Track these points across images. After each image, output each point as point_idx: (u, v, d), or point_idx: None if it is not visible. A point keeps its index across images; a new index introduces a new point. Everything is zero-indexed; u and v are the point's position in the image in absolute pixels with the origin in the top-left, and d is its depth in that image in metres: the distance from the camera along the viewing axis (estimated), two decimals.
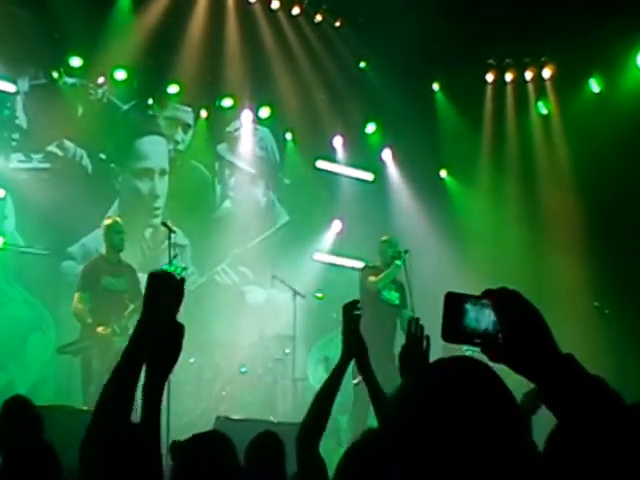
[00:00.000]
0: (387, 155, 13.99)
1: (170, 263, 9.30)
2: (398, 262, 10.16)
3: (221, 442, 3.71)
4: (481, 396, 1.62)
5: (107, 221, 10.15)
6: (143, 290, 8.58)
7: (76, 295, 9.69)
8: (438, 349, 3.83)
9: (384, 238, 10.59)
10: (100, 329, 9.39)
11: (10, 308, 11.33)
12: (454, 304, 1.79)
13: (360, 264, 11.19)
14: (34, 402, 5.58)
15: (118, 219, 10.13)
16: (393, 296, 10.42)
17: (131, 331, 8.62)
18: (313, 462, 3.77)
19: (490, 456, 1.58)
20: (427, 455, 1.58)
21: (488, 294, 1.78)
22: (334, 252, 13.44)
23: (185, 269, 9.86)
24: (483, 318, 1.78)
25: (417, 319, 3.74)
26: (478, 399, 1.61)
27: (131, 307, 9.61)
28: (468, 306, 1.78)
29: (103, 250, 10.13)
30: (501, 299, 1.77)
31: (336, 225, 13.64)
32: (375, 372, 9.02)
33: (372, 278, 10.26)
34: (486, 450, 1.58)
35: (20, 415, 5.28)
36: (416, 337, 3.70)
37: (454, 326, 1.78)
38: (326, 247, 13.54)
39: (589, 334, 10.43)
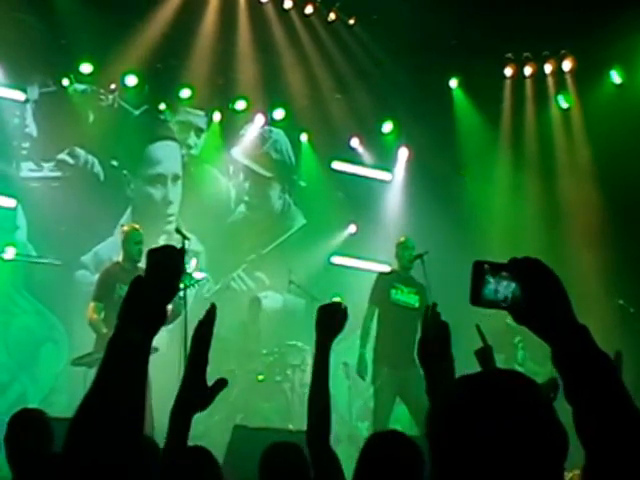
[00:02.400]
0: (404, 154, 13.81)
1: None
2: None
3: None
4: (523, 410, 1.71)
5: (126, 228, 9.80)
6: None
7: (91, 304, 9.48)
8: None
9: (400, 240, 10.39)
10: None
11: (22, 319, 11.25)
12: (477, 274, 1.96)
13: (378, 267, 11.01)
14: (47, 414, 5.42)
15: (138, 227, 9.74)
16: (412, 299, 10.21)
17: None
18: (326, 460, 3.68)
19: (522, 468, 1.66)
20: (462, 460, 1.68)
21: (512, 263, 1.94)
22: (352, 255, 13.25)
23: (200, 281, 9.69)
24: (501, 289, 1.94)
25: (434, 304, 3.53)
26: (519, 413, 1.70)
27: None
28: (488, 278, 1.95)
29: (119, 257, 9.87)
30: (525, 267, 1.93)
31: (352, 229, 13.46)
32: (396, 376, 8.91)
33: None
34: (520, 461, 1.66)
35: (29, 427, 5.14)
36: (434, 322, 3.48)
37: (476, 295, 1.95)
38: (344, 250, 13.35)
39: (613, 333, 10.14)
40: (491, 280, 1.94)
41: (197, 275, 9.79)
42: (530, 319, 1.91)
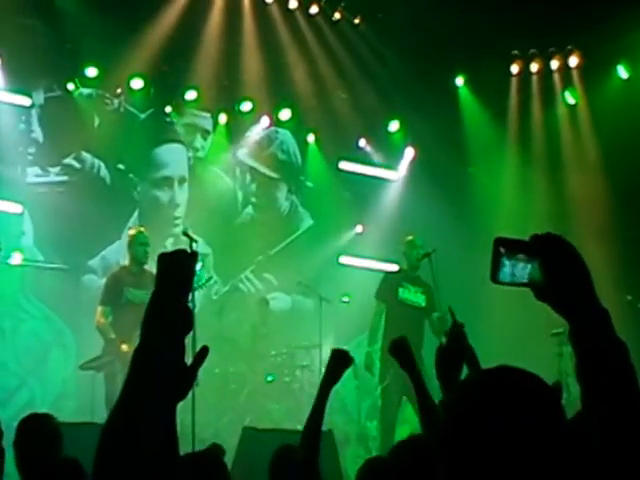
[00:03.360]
0: (411, 153, 13.74)
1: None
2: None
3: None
4: (533, 409, 1.67)
5: (131, 232, 9.90)
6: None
7: (99, 309, 9.50)
8: None
9: (408, 239, 10.37)
10: (124, 347, 9.13)
11: (30, 325, 11.23)
12: (495, 253, 1.94)
13: (386, 266, 10.98)
14: (56, 419, 5.39)
15: (143, 230, 9.82)
16: (419, 298, 10.18)
17: None
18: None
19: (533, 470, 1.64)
20: (474, 461, 1.65)
21: (534, 240, 1.90)
22: (360, 254, 13.20)
23: (210, 279, 9.66)
24: (517, 272, 1.92)
25: (462, 324, 3.61)
26: (530, 411, 1.67)
27: None
28: (504, 260, 1.92)
29: (126, 261, 9.87)
30: (547, 244, 1.89)
31: (359, 228, 13.42)
32: (403, 375, 8.90)
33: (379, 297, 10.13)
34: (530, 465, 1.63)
35: (37, 433, 5.11)
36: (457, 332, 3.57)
37: (494, 274, 1.94)
38: (352, 250, 13.30)
39: (621, 330, 10.08)
40: (507, 263, 1.93)
41: None
42: (551, 298, 1.89)
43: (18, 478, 4.79)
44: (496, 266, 1.93)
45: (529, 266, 1.92)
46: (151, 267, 10.10)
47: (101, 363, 9.24)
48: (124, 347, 9.09)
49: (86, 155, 11.92)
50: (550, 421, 1.69)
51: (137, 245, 9.61)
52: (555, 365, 10.18)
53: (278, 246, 13.05)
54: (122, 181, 12.08)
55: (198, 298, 9.48)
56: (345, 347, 4.29)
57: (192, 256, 2.22)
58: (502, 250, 1.93)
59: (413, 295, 10.22)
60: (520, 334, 11.75)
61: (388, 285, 10.33)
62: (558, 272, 1.88)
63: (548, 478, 1.65)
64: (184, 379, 2.37)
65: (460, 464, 1.69)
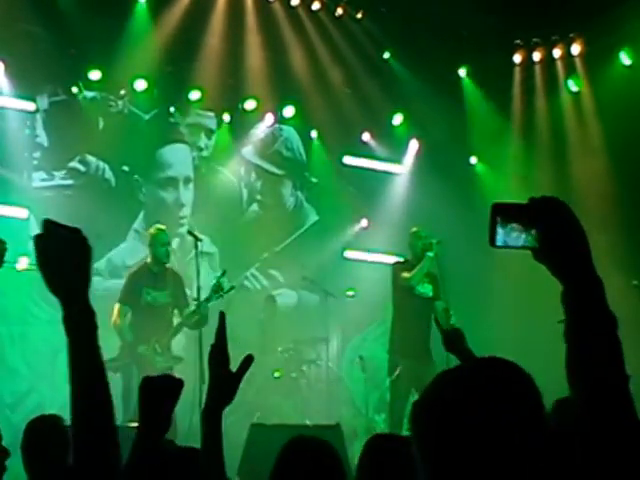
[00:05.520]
0: (416, 145, 13.74)
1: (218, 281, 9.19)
2: (429, 254, 9.90)
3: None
4: (509, 406, 1.70)
5: (152, 230, 9.79)
6: (189, 299, 8.10)
7: (116, 307, 9.42)
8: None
9: (413, 230, 10.37)
10: (142, 349, 9.14)
11: (38, 329, 11.22)
12: (492, 221, 1.96)
13: (391, 259, 10.96)
14: (64, 420, 5.41)
15: (163, 228, 9.76)
16: (426, 289, 10.19)
17: (174, 351, 8.36)
18: None
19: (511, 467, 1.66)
20: (451, 458, 1.67)
21: (531, 204, 1.92)
22: (365, 248, 13.20)
23: (232, 288, 9.69)
24: (511, 239, 1.96)
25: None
26: (505, 409, 1.69)
27: (175, 322, 9.43)
28: (498, 229, 1.96)
29: (148, 259, 9.78)
30: (543, 209, 1.91)
31: (364, 222, 13.43)
32: (412, 367, 8.95)
33: (406, 274, 10.02)
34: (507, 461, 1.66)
35: (46, 434, 5.13)
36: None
37: (491, 239, 1.97)
38: (357, 244, 13.31)
39: (627, 316, 10.03)
40: (500, 231, 1.96)
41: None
42: (548, 259, 1.92)
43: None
44: (492, 230, 1.97)
45: (523, 235, 1.95)
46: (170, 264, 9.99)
47: (117, 365, 9.20)
48: (141, 349, 9.11)
49: (91, 158, 11.94)
50: (531, 413, 1.71)
51: (158, 246, 9.56)
52: (562, 353, 10.13)
53: (283, 242, 13.07)
54: (127, 183, 12.11)
55: (204, 295, 9.44)
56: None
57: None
58: (498, 219, 1.96)
59: (421, 286, 10.22)
60: (526, 323, 11.73)
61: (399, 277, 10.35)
62: (555, 233, 1.90)
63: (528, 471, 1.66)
64: (230, 384, 2.47)
65: (442, 460, 1.69)
